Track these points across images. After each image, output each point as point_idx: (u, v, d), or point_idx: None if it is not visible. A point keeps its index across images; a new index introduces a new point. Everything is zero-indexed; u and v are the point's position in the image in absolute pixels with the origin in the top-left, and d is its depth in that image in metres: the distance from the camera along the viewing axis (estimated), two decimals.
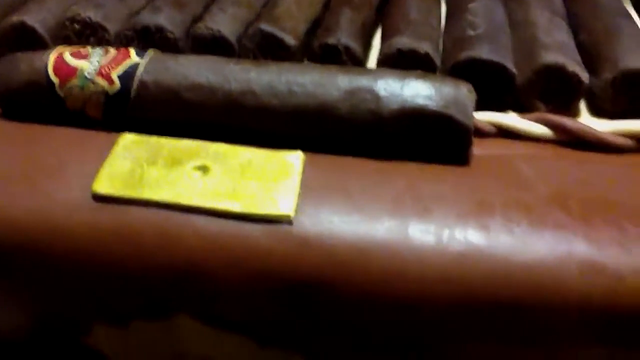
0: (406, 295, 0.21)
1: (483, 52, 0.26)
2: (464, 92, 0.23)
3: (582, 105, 0.27)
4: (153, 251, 0.22)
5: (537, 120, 0.25)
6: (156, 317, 0.24)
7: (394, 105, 0.23)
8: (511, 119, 0.25)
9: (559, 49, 0.26)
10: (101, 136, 0.25)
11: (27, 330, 0.27)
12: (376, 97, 0.23)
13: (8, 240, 0.23)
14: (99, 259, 0.23)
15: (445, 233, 0.21)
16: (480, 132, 0.25)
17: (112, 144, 0.25)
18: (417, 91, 0.23)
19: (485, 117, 0.25)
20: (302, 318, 0.22)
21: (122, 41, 0.29)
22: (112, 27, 0.29)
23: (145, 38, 0.29)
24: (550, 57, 0.25)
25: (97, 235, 0.22)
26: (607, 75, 0.25)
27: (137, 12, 0.30)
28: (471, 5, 0.29)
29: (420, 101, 0.23)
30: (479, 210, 0.22)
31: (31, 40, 0.30)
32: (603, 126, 0.25)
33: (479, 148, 0.24)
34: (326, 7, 0.31)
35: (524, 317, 0.20)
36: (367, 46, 0.30)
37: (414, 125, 0.23)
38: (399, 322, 0.21)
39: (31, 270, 0.24)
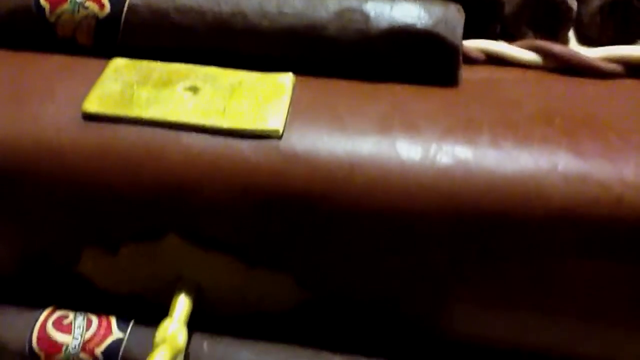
0: (392, 207, 0.21)
1: None
2: (453, 12, 0.23)
3: (571, 34, 0.27)
4: (142, 168, 0.22)
5: (526, 47, 0.25)
6: (145, 239, 0.24)
7: (383, 25, 0.23)
8: (500, 46, 0.25)
9: None
10: (91, 62, 0.25)
11: (17, 262, 0.28)
12: (365, 17, 0.23)
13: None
14: (88, 178, 0.23)
15: (433, 147, 0.21)
16: (469, 59, 0.25)
17: (102, 68, 0.25)
18: (406, 11, 0.23)
19: (474, 44, 0.25)
20: (290, 235, 0.23)
21: None
22: None
23: None
24: None
25: (86, 154, 0.23)
26: (596, 2, 0.26)
27: None
28: None
29: (409, 20, 0.23)
30: (467, 126, 0.22)
31: None
32: (591, 53, 0.25)
33: (467, 73, 0.24)
34: None
35: (511, 229, 0.21)
36: None
37: (402, 44, 0.23)
38: (386, 237, 0.22)
39: (20, 194, 0.24)
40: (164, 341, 0.23)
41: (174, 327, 0.24)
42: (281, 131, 0.22)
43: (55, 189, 0.23)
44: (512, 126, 0.22)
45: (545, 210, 0.20)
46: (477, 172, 0.21)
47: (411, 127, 0.22)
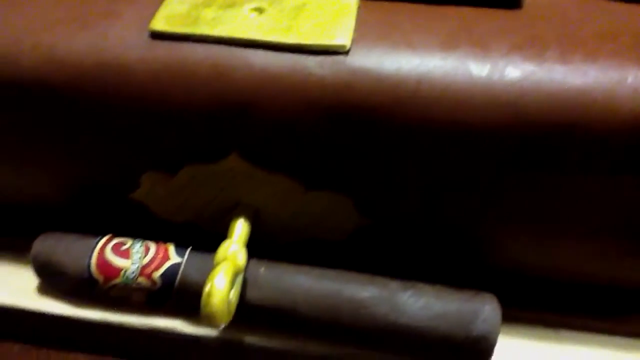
0: (459, 120, 0.21)
1: None
2: None
3: None
4: (208, 85, 0.23)
5: None
6: (207, 160, 0.24)
7: None
8: None
9: None
10: None
11: (76, 191, 0.28)
12: None
13: (60, 78, 0.23)
14: (154, 95, 0.23)
15: (501, 62, 0.21)
16: None
17: None
18: None
19: None
20: (352, 153, 0.23)
21: None
22: None
23: None
24: None
25: (153, 71, 0.23)
26: None
27: None
28: None
29: None
30: (534, 43, 0.22)
31: None
32: None
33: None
34: None
35: (579, 139, 0.21)
36: None
37: None
38: (451, 150, 0.22)
39: (83, 113, 0.24)
40: (225, 259, 0.23)
41: (234, 247, 0.24)
42: (348, 46, 0.22)
43: (122, 108, 0.23)
44: (579, 42, 0.22)
45: (615, 122, 0.20)
46: (546, 85, 0.21)
47: (478, 44, 0.22)
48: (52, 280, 0.28)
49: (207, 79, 0.23)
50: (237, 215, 0.25)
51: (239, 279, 0.24)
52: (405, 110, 0.21)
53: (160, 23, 0.23)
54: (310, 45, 0.22)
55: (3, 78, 0.24)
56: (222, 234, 0.25)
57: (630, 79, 0.20)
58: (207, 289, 0.22)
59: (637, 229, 0.23)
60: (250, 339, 0.26)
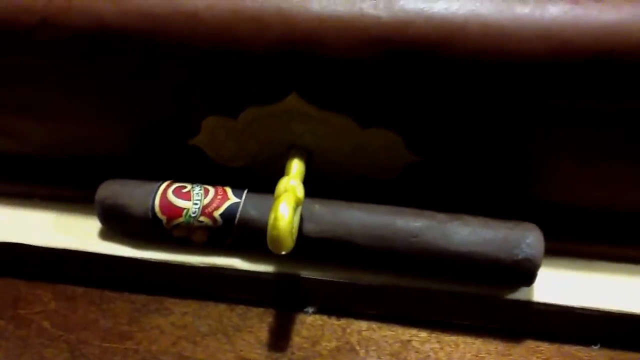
0: (506, 54, 0.23)
1: None
2: None
3: None
4: (271, 27, 0.24)
5: None
6: (267, 101, 0.26)
7: None
8: None
9: None
10: None
11: (139, 138, 0.30)
12: None
13: (139, 28, 0.25)
14: (219, 39, 0.25)
15: (541, 0, 0.23)
16: None
17: None
18: None
19: None
20: (405, 91, 0.25)
21: None
22: None
23: None
24: None
25: (218, 16, 0.25)
26: None
27: None
28: None
29: None
30: None
31: None
32: None
33: None
34: None
35: (616, 67, 0.22)
36: None
37: None
38: (498, 85, 0.24)
39: (152, 58, 0.26)
40: (286, 190, 0.25)
41: (293, 182, 0.26)
42: None
43: (191, 53, 0.25)
44: None
45: None
46: (584, 20, 0.23)
47: None
48: (117, 223, 0.30)
49: (270, 23, 0.24)
50: (292, 156, 0.27)
51: (298, 211, 0.26)
52: (454, 46, 0.23)
53: None
54: None
55: (82, 27, 0.26)
56: (274, 180, 0.27)
57: None
58: (273, 214, 0.24)
59: None
60: (307, 273, 0.28)
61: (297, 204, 0.25)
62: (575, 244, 0.28)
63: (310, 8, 0.24)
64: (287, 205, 0.24)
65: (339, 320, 0.29)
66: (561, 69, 0.23)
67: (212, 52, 0.25)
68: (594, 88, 0.23)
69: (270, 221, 0.24)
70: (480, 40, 0.23)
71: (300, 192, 0.26)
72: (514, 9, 0.23)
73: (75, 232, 0.31)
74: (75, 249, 0.31)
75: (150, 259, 0.30)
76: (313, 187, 0.28)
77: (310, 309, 0.29)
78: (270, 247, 0.24)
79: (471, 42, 0.23)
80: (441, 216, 0.27)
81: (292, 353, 0.28)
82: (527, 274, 0.26)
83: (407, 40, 0.23)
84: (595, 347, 0.27)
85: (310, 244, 0.27)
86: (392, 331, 0.28)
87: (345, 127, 0.26)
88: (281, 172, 0.27)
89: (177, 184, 0.29)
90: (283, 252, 0.25)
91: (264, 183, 0.28)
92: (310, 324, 0.29)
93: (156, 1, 0.25)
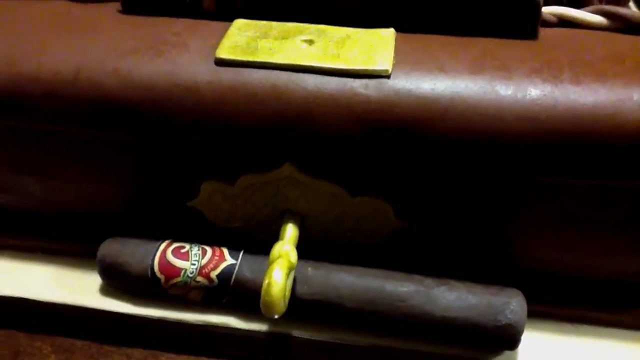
0: (487, 137, 0.24)
1: None
2: None
3: (631, 3, 0.30)
4: (267, 104, 0.26)
5: (594, 11, 0.29)
6: (263, 169, 0.28)
7: None
8: (571, 10, 0.29)
9: None
10: (216, 23, 0.29)
11: (136, 196, 0.31)
12: None
13: (136, 99, 0.27)
14: (220, 113, 0.26)
15: (522, 83, 0.25)
16: (545, 22, 0.29)
17: (225, 28, 0.29)
18: None
19: (548, 10, 0.29)
20: (393, 163, 0.26)
21: None
22: None
23: None
24: None
25: (218, 92, 0.26)
26: None
27: None
28: None
29: None
30: (550, 66, 0.25)
31: None
32: None
33: (543, 32, 0.28)
34: None
35: (592, 148, 0.24)
36: None
37: (491, 2, 0.27)
38: (480, 165, 0.25)
39: (155, 128, 0.27)
40: (279, 256, 0.26)
41: (287, 247, 0.27)
42: (390, 71, 0.25)
43: (190, 124, 0.27)
44: (589, 65, 0.25)
45: (623, 134, 0.24)
46: (563, 103, 0.24)
47: (502, 68, 0.25)
48: (117, 280, 0.31)
49: (266, 99, 0.26)
50: (286, 221, 0.29)
51: (291, 275, 0.27)
52: (439, 125, 0.25)
53: (224, 52, 0.27)
54: (356, 70, 0.26)
55: (87, 98, 0.27)
56: (268, 241, 0.28)
57: (635, 97, 0.24)
58: (267, 280, 0.25)
59: None
60: (298, 332, 0.29)
61: (290, 269, 0.27)
62: (559, 307, 0.30)
63: (304, 86, 0.26)
64: (280, 270, 0.26)
65: None
66: (540, 149, 0.24)
67: (210, 124, 0.27)
68: (571, 167, 0.24)
69: (264, 287, 0.25)
70: (463, 120, 0.25)
71: (293, 257, 0.27)
72: (497, 90, 0.25)
73: (76, 286, 0.32)
74: (75, 304, 0.32)
75: (148, 315, 0.31)
76: (306, 249, 0.29)
77: None
78: (263, 311, 0.25)
79: (454, 122, 0.25)
80: (428, 281, 0.28)
81: None
82: (510, 340, 0.27)
83: (394, 120, 0.25)
84: None
85: (302, 306, 0.28)
86: None
87: (336, 195, 0.28)
88: (276, 234, 0.29)
89: (176, 244, 0.30)
90: (275, 316, 0.26)
91: (260, 243, 0.30)
92: None
93: (159, 76, 0.27)
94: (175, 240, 0.31)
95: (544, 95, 0.24)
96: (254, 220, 0.30)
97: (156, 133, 0.27)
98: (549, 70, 0.25)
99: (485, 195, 0.26)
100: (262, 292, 0.25)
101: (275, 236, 0.28)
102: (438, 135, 0.25)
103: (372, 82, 0.25)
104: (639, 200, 0.25)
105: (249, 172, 0.28)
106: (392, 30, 0.27)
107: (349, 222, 0.29)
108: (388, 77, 0.25)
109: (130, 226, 0.32)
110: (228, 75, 0.27)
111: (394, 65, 0.26)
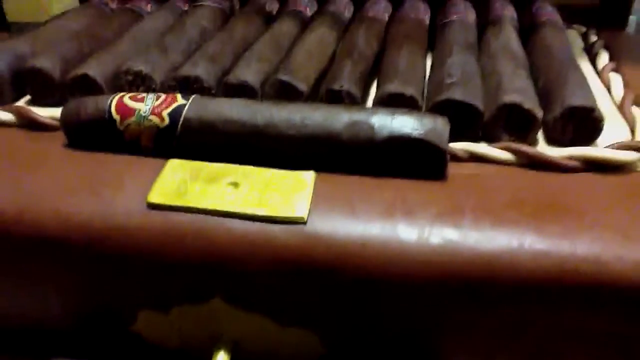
0: (395, 277, 0.26)
1: (457, 94, 0.32)
2: (440, 123, 0.29)
3: (540, 136, 0.33)
4: (195, 247, 0.28)
5: (502, 148, 0.31)
6: (195, 302, 0.29)
7: (385, 134, 0.29)
8: (480, 147, 0.31)
9: (518, 92, 0.32)
10: (152, 161, 0.31)
11: (80, 319, 0.33)
12: (371, 127, 0.29)
13: (75, 239, 0.29)
14: (151, 254, 0.28)
15: (426, 230, 0.27)
16: (456, 157, 0.31)
17: (161, 166, 0.31)
18: (403, 122, 0.29)
19: (460, 146, 0.31)
20: (315, 300, 0.28)
21: (166, 89, 0.36)
22: (158, 78, 0.36)
23: (185, 86, 0.36)
24: (510, 97, 0.32)
25: (150, 235, 0.28)
26: (557, 111, 0.32)
27: (178, 66, 0.37)
28: (449, 59, 0.36)
29: (406, 130, 0.29)
30: (453, 211, 0.27)
31: (91, 88, 0.36)
32: (555, 152, 0.31)
33: (454, 169, 0.30)
34: (331, 59, 0.38)
35: (489, 294, 0.26)
36: (365, 91, 0.36)
37: (401, 149, 0.29)
38: (390, 299, 0.27)
39: (93, 265, 0.29)
40: None
41: None
42: (306, 218, 0.27)
43: (122, 262, 0.29)
44: (489, 211, 0.27)
45: (515, 281, 0.26)
46: (461, 250, 0.26)
47: (409, 213, 0.28)
48: None
49: (194, 242, 0.28)
50: (219, 347, 0.30)
51: None
52: (352, 268, 0.27)
53: (155, 196, 0.29)
54: (276, 217, 0.28)
55: (28, 237, 0.29)
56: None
57: (527, 245, 0.26)
58: None
59: None
60: None
61: None
62: None
63: (229, 230, 0.28)
64: None
65: None
66: (443, 292, 0.26)
67: (142, 263, 0.29)
68: (473, 307, 0.26)
69: None
70: (369, 264, 0.27)
71: None
72: (402, 236, 0.27)
73: None
74: None
75: None
76: None
77: None
78: None
79: (360, 265, 0.27)
80: None
81: None
82: None
83: (309, 262, 0.27)
84: None
85: None
86: None
87: (266, 326, 0.29)
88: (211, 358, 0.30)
89: None
90: None
91: None
92: None
93: (95, 218, 0.29)
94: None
95: (445, 241, 0.27)
96: (189, 345, 0.32)
97: (92, 268, 0.29)
98: (452, 214, 0.27)
99: (396, 327, 0.28)
100: None
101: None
102: (350, 277, 0.27)
103: (290, 228, 0.28)
104: (543, 336, 0.27)
105: (182, 303, 0.30)
106: (311, 173, 0.30)
107: (279, 349, 0.31)
108: (304, 223, 0.27)
109: (78, 343, 0.33)
110: (159, 218, 0.29)
111: (311, 210, 0.28)
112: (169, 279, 0.29)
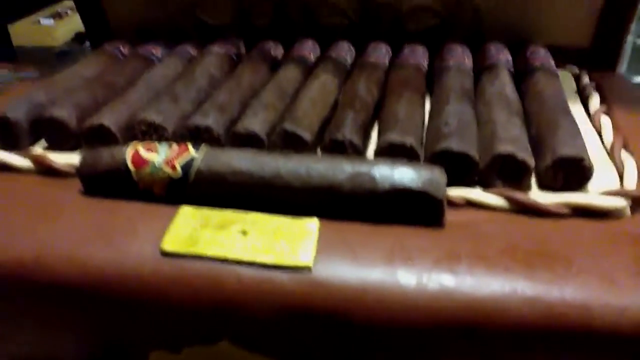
0: (394, 322, 0.28)
1: (453, 144, 0.34)
2: (438, 174, 0.31)
3: (533, 182, 0.35)
4: (206, 293, 0.30)
5: (496, 194, 0.33)
6: (204, 343, 0.31)
7: (386, 185, 0.31)
8: (476, 193, 0.33)
9: (512, 141, 0.34)
10: (164, 208, 0.33)
11: (94, 358, 0.34)
12: (373, 179, 0.31)
13: (90, 285, 0.30)
14: (163, 299, 0.30)
15: (424, 276, 0.28)
16: (453, 204, 0.33)
17: (173, 214, 0.33)
18: (403, 174, 0.31)
19: (456, 192, 0.33)
20: (319, 342, 0.29)
21: (178, 138, 0.38)
22: (170, 127, 0.38)
23: (196, 135, 0.37)
24: (504, 147, 0.34)
25: (162, 282, 0.30)
26: (548, 160, 0.34)
27: (189, 115, 0.39)
28: (446, 107, 0.38)
29: (406, 182, 0.31)
30: (450, 258, 0.29)
31: (106, 137, 0.38)
32: (546, 198, 0.33)
33: (451, 215, 0.32)
34: (334, 109, 0.40)
35: (483, 338, 0.27)
36: (366, 140, 0.38)
37: (401, 199, 0.31)
38: (392, 345, 0.28)
39: (107, 309, 0.31)
40: None
41: None
42: (311, 265, 0.29)
43: (135, 307, 0.30)
44: (483, 258, 0.29)
45: (507, 326, 0.27)
46: (457, 296, 0.28)
47: (408, 260, 0.29)
48: None
49: (204, 288, 0.30)
50: None
51: None
52: (354, 313, 0.28)
53: (168, 244, 0.31)
54: (283, 265, 0.29)
55: (45, 282, 0.31)
56: None
57: (519, 291, 0.28)
58: None
59: None
60: None
61: None
62: None
63: (237, 276, 0.30)
64: None
65: None
66: (441, 337, 0.28)
67: (154, 308, 0.30)
68: (469, 353, 0.28)
69: None
70: (373, 309, 0.28)
71: None
72: (402, 282, 0.28)
73: None
74: None
75: None
76: None
77: None
78: None
79: (365, 311, 0.28)
80: None
81: None
82: None
83: (314, 308, 0.29)
84: None
85: None
86: None
87: None
88: None
89: None
90: None
91: None
92: None
93: (109, 265, 0.31)
94: None
95: (442, 287, 0.28)
96: None
97: (106, 313, 0.31)
98: (449, 261, 0.29)
99: None
100: None
101: None
102: (353, 323, 0.28)
103: (296, 275, 0.29)
104: None
105: (192, 344, 0.31)
106: (316, 220, 0.31)
107: None
108: (310, 270, 0.29)
109: None
110: (171, 265, 0.30)
111: (316, 257, 0.30)
112: (180, 322, 0.30)
